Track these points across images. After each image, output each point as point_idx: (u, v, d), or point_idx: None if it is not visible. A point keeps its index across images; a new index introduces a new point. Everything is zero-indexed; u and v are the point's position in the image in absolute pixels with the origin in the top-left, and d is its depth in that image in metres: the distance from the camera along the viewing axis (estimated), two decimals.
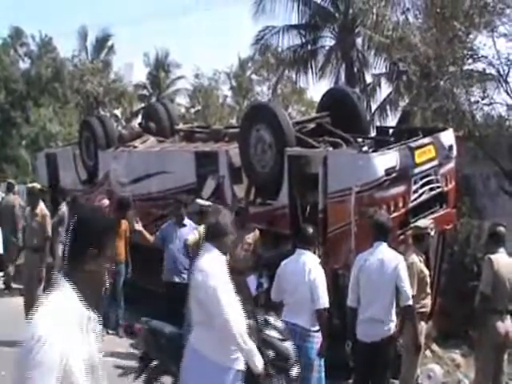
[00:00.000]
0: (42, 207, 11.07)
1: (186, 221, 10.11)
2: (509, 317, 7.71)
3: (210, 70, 36.99)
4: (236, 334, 5.13)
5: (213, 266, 5.31)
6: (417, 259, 7.88)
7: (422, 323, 7.89)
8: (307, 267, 7.12)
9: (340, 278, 8.92)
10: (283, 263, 7.46)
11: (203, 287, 5.23)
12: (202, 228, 9.41)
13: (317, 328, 7.11)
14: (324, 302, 7.02)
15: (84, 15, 68.57)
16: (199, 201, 9.93)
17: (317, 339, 7.10)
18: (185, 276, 9.83)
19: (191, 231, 9.87)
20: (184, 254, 9.92)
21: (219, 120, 30.29)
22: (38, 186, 14.17)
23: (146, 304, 11.66)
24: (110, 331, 10.92)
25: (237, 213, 10.09)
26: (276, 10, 25.75)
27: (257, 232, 9.82)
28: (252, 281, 9.69)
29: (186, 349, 5.47)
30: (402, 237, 8.97)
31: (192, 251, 9.31)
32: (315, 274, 7.08)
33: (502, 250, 7.81)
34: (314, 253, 7.75)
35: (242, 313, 5.34)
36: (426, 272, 8.03)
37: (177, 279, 9.93)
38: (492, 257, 7.75)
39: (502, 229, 7.97)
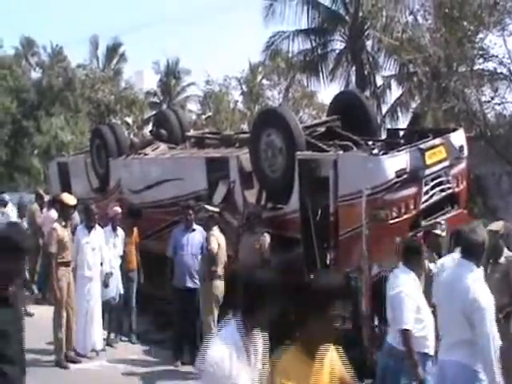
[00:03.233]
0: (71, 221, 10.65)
1: (195, 226, 10.14)
2: None
3: (221, 75, 36.91)
4: (494, 355, 5.32)
5: (482, 287, 5.45)
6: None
7: None
8: (392, 282, 6.54)
9: (352, 281, 8.88)
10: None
11: (475, 308, 5.33)
12: (214, 232, 9.49)
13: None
14: (401, 321, 6.21)
15: (93, 24, 68.88)
16: (208, 206, 9.95)
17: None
18: (197, 281, 9.86)
19: (201, 236, 9.92)
20: (197, 259, 9.94)
21: (230, 126, 30.28)
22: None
23: (158, 311, 11.70)
24: (123, 338, 10.94)
25: (248, 218, 10.13)
26: (286, 14, 25.85)
27: (267, 237, 9.78)
28: None
29: (444, 365, 5.60)
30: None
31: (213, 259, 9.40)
32: (396, 290, 6.35)
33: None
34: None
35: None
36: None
37: (190, 284, 9.93)
38: None
39: None
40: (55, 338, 9.60)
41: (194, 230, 10.11)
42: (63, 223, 9.96)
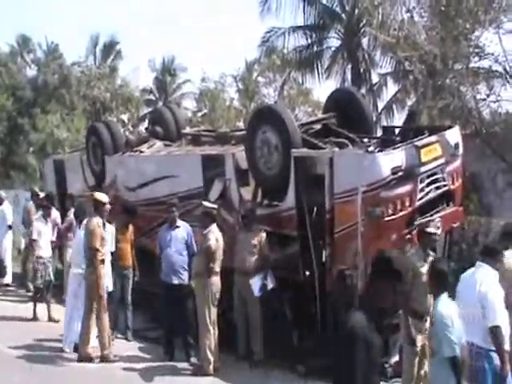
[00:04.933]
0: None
1: (179, 222, 10.24)
2: None
3: (217, 73, 36.80)
4: None
5: None
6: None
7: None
8: (479, 280, 6.56)
9: (347, 278, 8.90)
10: (462, 275, 6.99)
11: None
12: (213, 229, 9.51)
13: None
14: (494, 318, 6.31)
15: (89, 21, 68.70)
16: (205, 203, 9.97)
17: (495, 360, 6.36)
18: (183, 277, 9.90)
19: (185, 232, 9.99)
20: (181, 255, 9.97)
21: (226, 123, 30.19)
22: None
23: (153, 307, 11.71)
24: (119, 335, 10.93)
25: (243, 215, 10.15)
26: (282, 10, 25.74)
27: (263, 234, 9.81)
28: (256, 282, 9.70)
29: None
30: (408, 236, 8.97)
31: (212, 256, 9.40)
32: (487, 288, 6.44)
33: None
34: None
35: None
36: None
37: (175, 281, 9.98)
38: None
39: None
40: (102, 337, 9.71)
41: (177, 226, 10.18)
42: (101, 221, 9.93)
